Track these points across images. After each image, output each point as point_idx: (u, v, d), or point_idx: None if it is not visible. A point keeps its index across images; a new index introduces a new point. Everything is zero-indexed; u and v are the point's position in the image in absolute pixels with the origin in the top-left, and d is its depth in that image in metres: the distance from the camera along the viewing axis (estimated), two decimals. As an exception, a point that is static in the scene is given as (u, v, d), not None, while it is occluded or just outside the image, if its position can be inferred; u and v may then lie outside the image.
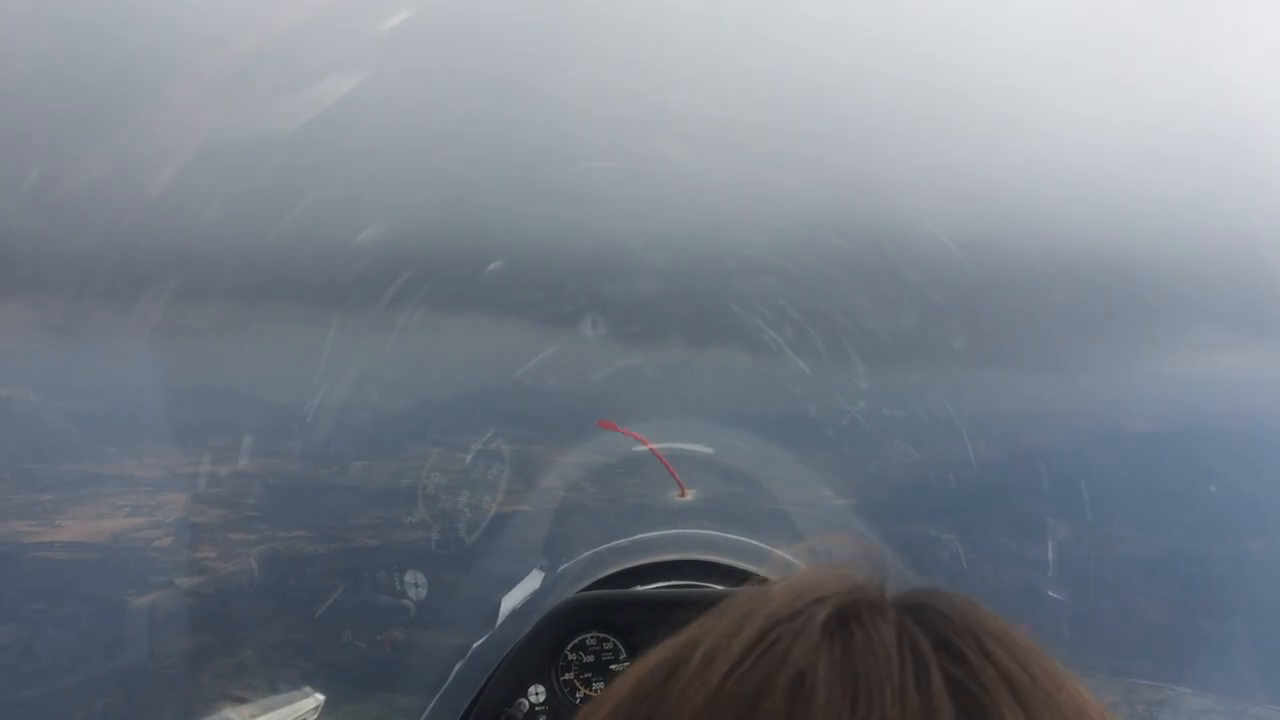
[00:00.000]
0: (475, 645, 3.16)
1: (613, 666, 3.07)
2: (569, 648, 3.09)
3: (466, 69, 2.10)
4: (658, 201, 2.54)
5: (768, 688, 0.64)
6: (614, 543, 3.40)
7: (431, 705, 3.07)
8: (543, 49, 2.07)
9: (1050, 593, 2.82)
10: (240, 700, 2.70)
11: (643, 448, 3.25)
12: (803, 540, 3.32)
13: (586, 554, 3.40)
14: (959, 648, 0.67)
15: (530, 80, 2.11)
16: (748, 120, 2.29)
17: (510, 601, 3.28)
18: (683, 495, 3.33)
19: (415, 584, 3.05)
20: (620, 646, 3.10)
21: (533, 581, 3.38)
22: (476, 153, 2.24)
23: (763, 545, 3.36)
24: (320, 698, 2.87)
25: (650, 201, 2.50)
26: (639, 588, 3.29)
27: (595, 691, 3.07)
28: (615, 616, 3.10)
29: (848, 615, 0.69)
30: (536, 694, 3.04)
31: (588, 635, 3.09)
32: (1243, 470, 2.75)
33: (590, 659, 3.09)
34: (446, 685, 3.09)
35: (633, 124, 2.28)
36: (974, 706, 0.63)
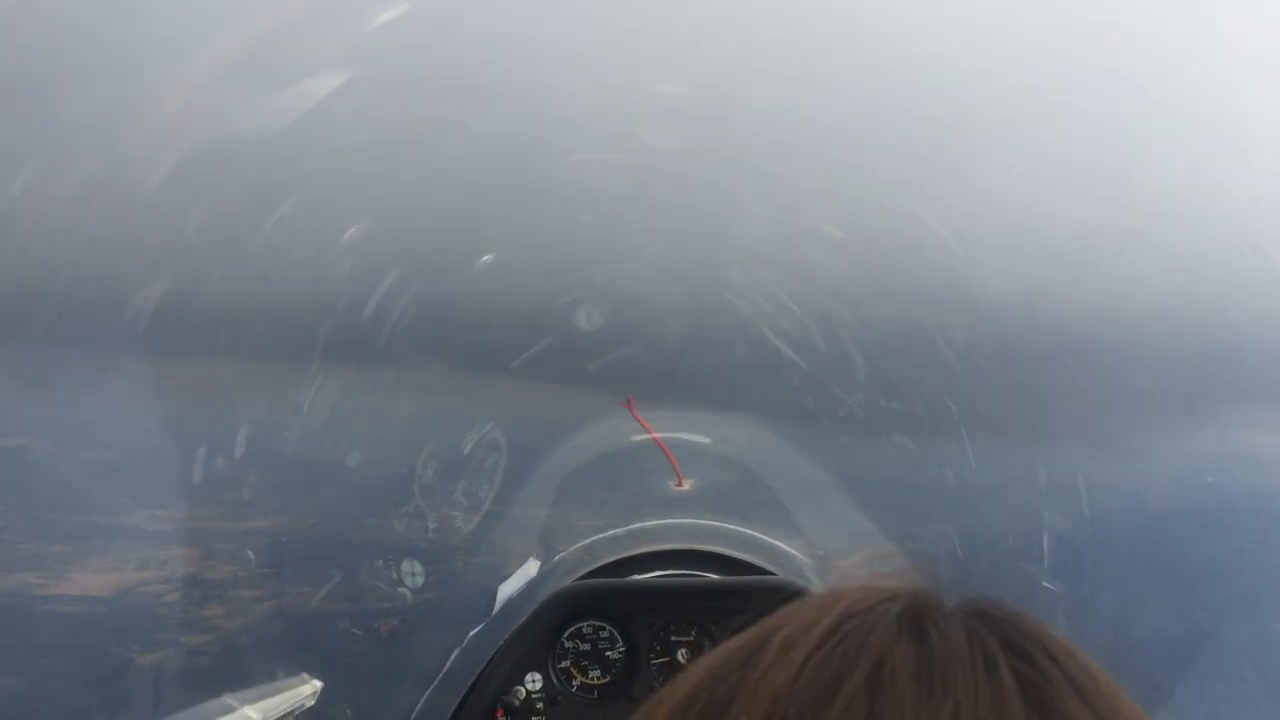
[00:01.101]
0: (472, 633, 3.18)
1: (609, 655, 3.10)
2: (566, 636, 3.11)
3: (451, 64, 2.08)
4: (650, 193, 2.52)
5: (848, 672, 0.67)
6: (611, 532, 3.42)
7: (428, 693, 3.09)
8: (529, 42, 2.05)
9: (1046, 584, 2.81)
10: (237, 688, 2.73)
11: (642, 436, 3.25)
12: (800, 533, 3.33)
13: (583, 543, 3.41)
14: (1025, 649, 0.70)
15: (517, 74, 2.09)
16: (739, 110, 2.27)
17: (507, 590, 3.30)
18: (680, 485, 3.33)
19: (412, 573, 3.06)
20: (617, 635, 3.12)
21: (529, 570, 3.39)
22: (464, 148, 2.22)
23: (759, 535, 3.37)
24: (317, 684, 2.89)
25: (643, 193, 2.48)
26: (636, 577, 3.30)
27: (592, 679, 3.09)
28: (612, 605, 3.12)
29: (920, 613, 0.73)
30: (533, 682, 3.07)
31: (584, 623, 3.11)
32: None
33: (587, 647, 3.12)
34: (443, 673, 3.11)
35: (622, 115, 2.25)
36: (1043, 702, 0.67)
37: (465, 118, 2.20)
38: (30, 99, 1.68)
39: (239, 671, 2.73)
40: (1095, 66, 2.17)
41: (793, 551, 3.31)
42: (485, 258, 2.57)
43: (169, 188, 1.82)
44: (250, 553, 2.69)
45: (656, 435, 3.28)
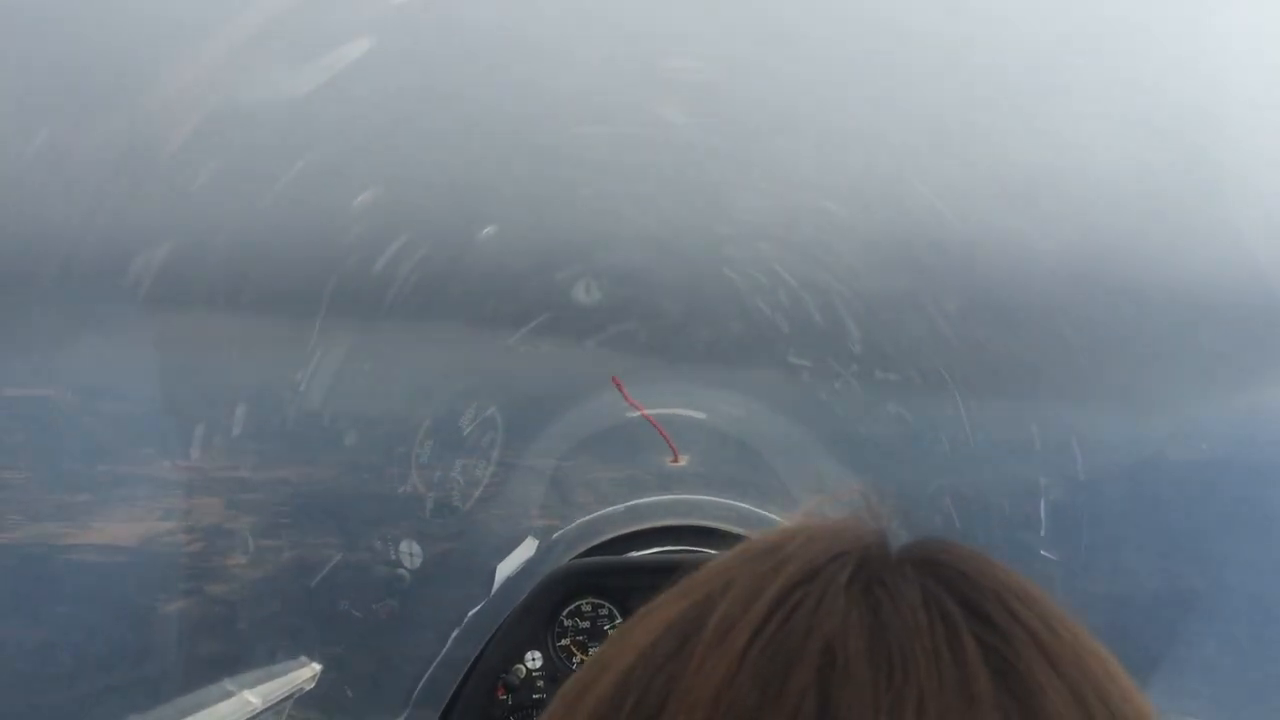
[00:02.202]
0: (471, 613, 3.17)
1: (608, 631, 3.10)
2: (564, 614, 3.11)
3: (461, 36, 2.06)
4: (652, 165, 2.51)
5: (796, 660, 0.59)
6: (608, 509, 3.42)
7: (428, 673, 3.08)
8: (539, 14, 2.04)
9: (1044, 552, 2.85)
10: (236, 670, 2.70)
11: (637, 413, 3.25)
12: (797, 507, 3.35)
13: (581, 520, 3.41)
14: (985, 609, 0.63)
15: (527, 45, 2.08)
16: (743, 85, 2.27)
17: (505, 569, 3.29)
18: (676, 461, 3.34)
19: (410, 553, 3.04)
20: (615, 612, 3.13)
21: (527, 549, 3.38)
22: (471, 118, 2.20)
23: (756, 509, 3.38)
24: (316, 667, 2.87)
25: (645, 165, 2.47)
26: (634, 553, 3.31)
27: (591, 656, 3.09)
28: (610, 582, 3.12)
29: (869, 576, 0.65)
30: (533, 660, 3.07)
31: (583, 601, 3.12)
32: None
33: (586, 625, 3.12)
34: (443, 653, 3.10)
35: (630, 88, 2.25)
36: (1009, 672, 0.60)
37: (473, 89, 2.19)
38: (53, 62, 1.65)
39: (261, 622, 2.71)
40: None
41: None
42: (488, 229, 2.55)
43: (187, 150, 1.80)
44: (249, 536, 2.66)
45: (647, 413, 3.27)
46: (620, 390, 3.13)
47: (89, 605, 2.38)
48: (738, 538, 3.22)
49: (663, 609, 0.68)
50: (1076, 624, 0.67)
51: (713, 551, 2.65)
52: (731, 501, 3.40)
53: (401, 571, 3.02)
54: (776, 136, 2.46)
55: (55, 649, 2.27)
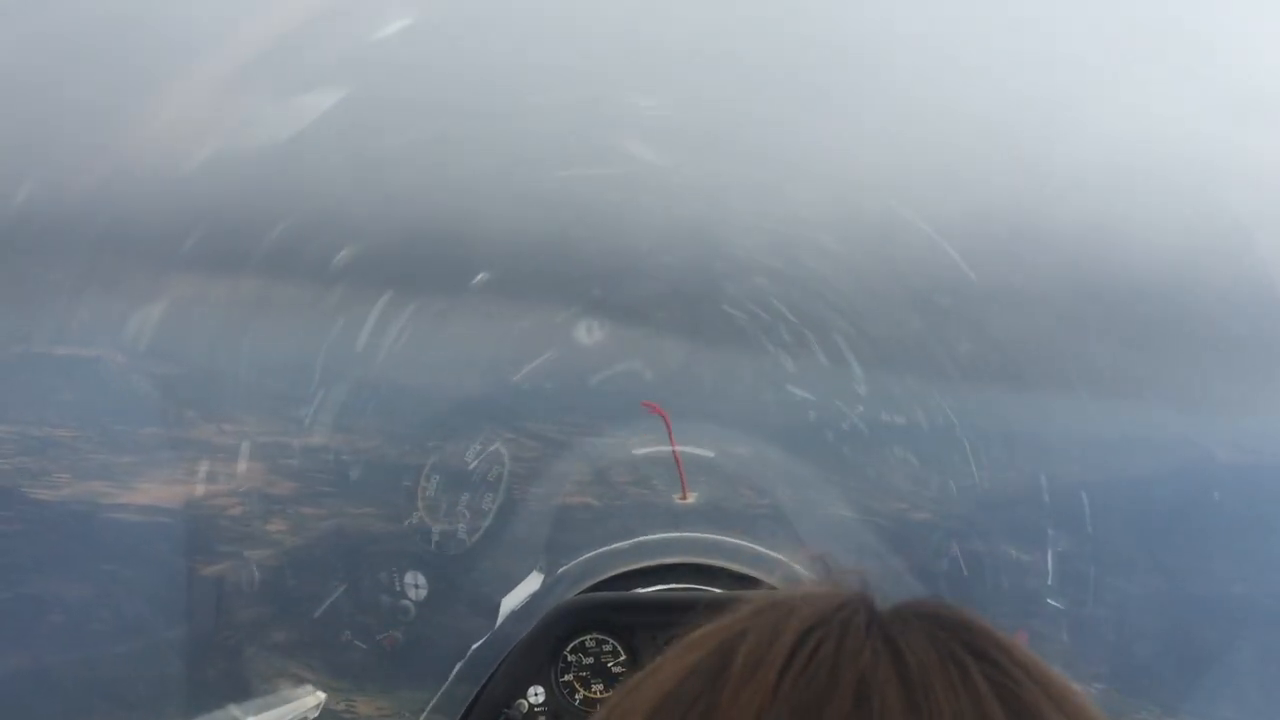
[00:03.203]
0: (475, 646, 3.19)
1: (612, 668, 3.09)
2: (568, 649, 3.11)
3: (442, 81, 2.10)
4: (641, 204, 2.53)
5: (830, 693, 0.65)
6: (614, 545, 3.41)
7: (431, 705, 3.10)
8: (519, 60, 2.07)
9: (1050, 600, 2.77)
10: (246, 696, 2.75)
11: (644, 450, 3.25)
12: (803, 546, 3.31)
13: (586, 556, 3.41)
14: (988, 652, 0.70)
15: (506, 91, 2.11)
16: (728, 123, 2.27)
17: (510, 602, 3.30)
18: (684, 499, 3.32)
19: (415, 585, 3.08)
20: (620, 649, 3.11)
21: (532, 583, 3.39)
22: (454, 163, 2.25)
23: (762, 549, 3.34)
24: (321, 696, 2.91)
25: (634, 205, 2.49)
26: (639, 590, 3.29)
27: (594, 693, 3.08)
28: (615, 618, 3.11)
29: (883, 622, 0.72)
30: (536, 695, 3.07)
31: (587, 637, 3.11)
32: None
33: (590, 660, 3.11)
34: (446, 685, 3.12)
35: (608, 129, 2.27)
36: (1019, 705, 0.67)
37: (455, 134, 2.23)
38: (36, 106, 1.72)
39: (298, 590, 2.76)
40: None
41: (795, 565, 3.28)
42: (480, 275, 2.59)
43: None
44: (254, 568, 2.72)
45: (677, 447, 3.27)
46: (660, 416, 3.12)
47: (131, 564, 2.45)
48: (744, 577, 3.21)
49: (674, 661, 0.74)
50: (1056, 670, 0.74)
51: (718, 590, 2.61)
52: (738, 540, 3.36)
53: (406, 603, 3.06)
54: (768, 172, 2.45)
55: (97, 605, 2.35)
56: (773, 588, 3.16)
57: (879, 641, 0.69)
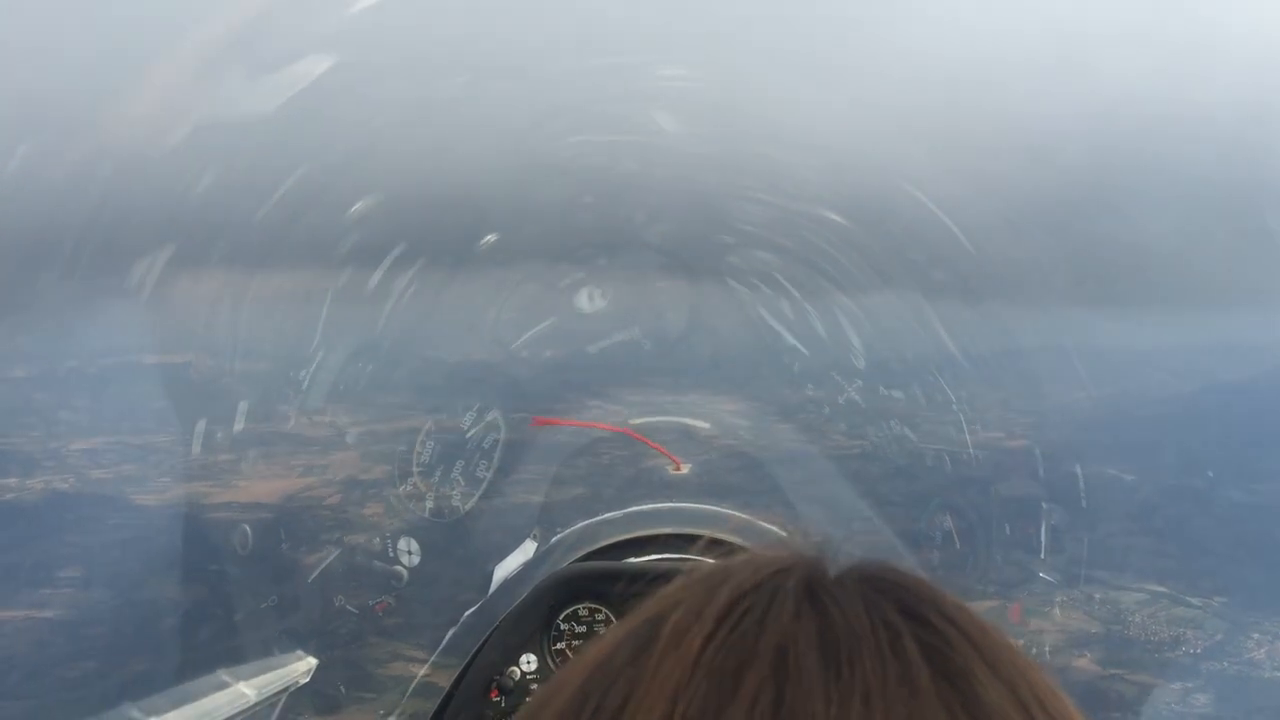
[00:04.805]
0: (467, 614, 3.18)
1: (604, 636, 3.10)
2: (561, 618, 3.11)
3: (454, 43, 2.07)
4: (651, 175, 2.52)
5: (750, 659, 0.64)
6: (608, 514, 3.41)
7: (422, 672, 3.10)
8: (533, 23, 2.04)
9: (1042, 575, 2.81)
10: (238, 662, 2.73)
11: (640, 420, 3.25)
12: (798, 518, 3.33)
13: (580, 525, 3.41)
14: (923, 614, 0.69)
15: (520, 55, 2.09)
16: (740, 94, 2.26)
17: (503, 571, 3.30)
18: (679, 469, 3.33)
19: (408, 551, 3.06)
20: (612, 618, 3.12)
21: (525, 551, 3.39)
22: (467, 127, 2.22)
23: (756, 520, 3.36)
24: (312, 661, 2.89)
25: (644, 174, 2.48)
26: (632, 559, 3.30)
27: (588, 662, 3.09)
28: (608, 587, 3.12)
29: (814, 586, 0.70)
30: (528, 663, 3.07)
31: (580, 606, 3.11)
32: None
33: (582, 629, 3.12)
34: (438, 652, 3.11)
35: (624, 98, 2.25)
36: (948, 667, 0.65)
37: (467, 97, 2.20)
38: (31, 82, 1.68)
39: (276, 593, 2.76)
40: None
41: (785, 534, 3.30)
42: (488, 237, 2.56)
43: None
44: (247, 528, 2.70)
45: (630, 429, 3.28)
46: (551, 423, 3.14)
47: (238, 562, 2.45)
48: (738, 547, 3.23)
49: (614, 629, 0.74)
50: (1006, 634, 0.73)
51: (711, 560, 2.61)
52: (732, 511, 3.38)
53: (399, 569, 3.04)
54: (775, 146, 2.45)
55: (209, 605, 2.37)
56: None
57: (806, 605, 0.68)
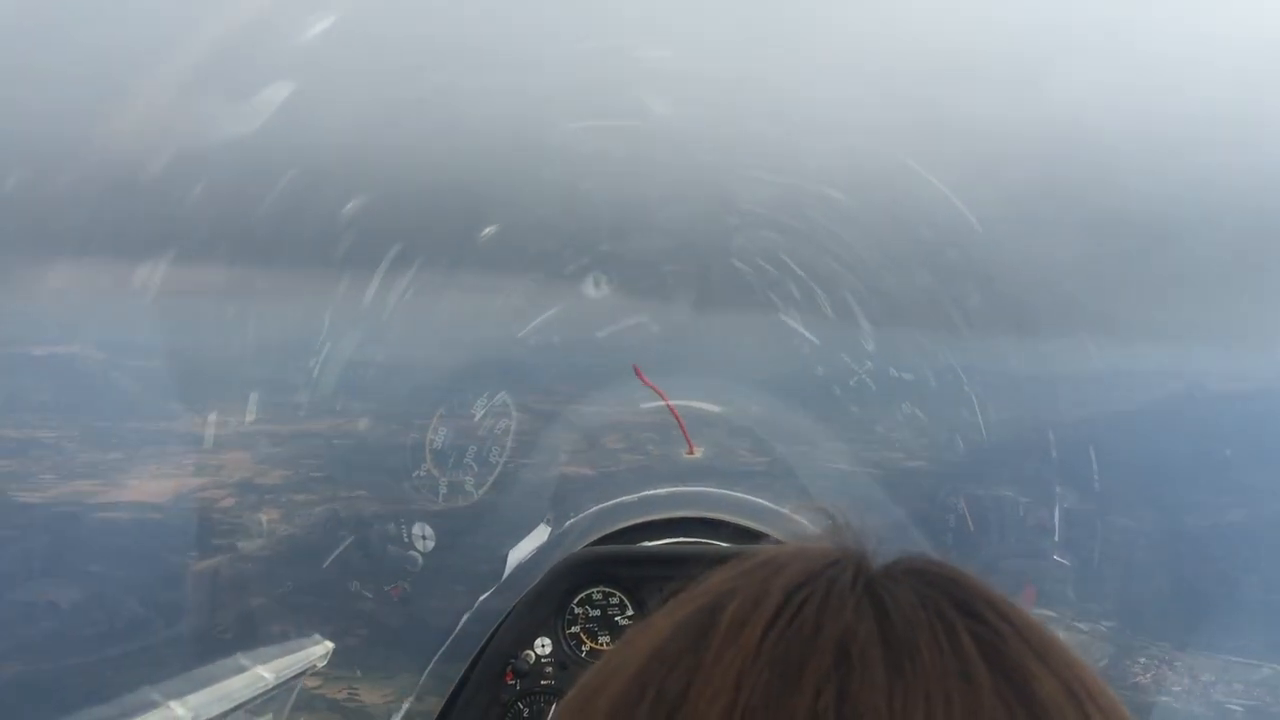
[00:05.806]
0: (482, 598, 3.21)
1: (618, 621, 3.11)
2: (575, 602, 3.13)
3: (447, 31, 2.07)
4: (654, 159, 2.50)
5: (811, 651, 0.65)
6: (622, 499, 3.42)
7: (438, 656, 3.13)
8: (525, 9, 2.04)
9: (1056, 558, 2.77)
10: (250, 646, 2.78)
11: (652, 404, 3.25)
12: (810, 501, 3.32)
13: (594, 509, 3.42)
14: (976, 609, 0.70)
15: (514, 40, 2.08)
16: (739, 76, 2.24)
17: (517, 555, 3.33)
18: (691, 453, 3.33)
19: (423, 536, 3.10)
20: (626, 602, 3.14)
21: (540, 535, 3.41)
22: (460, 115, 2.22)
23: (769, 504, 3.35)
24: (329, 645, 2.94)
25: (641, 157, 2.46)
26: (646, 544, 3.31)
27: (601, 645, 3.11)
28: (622, 572, 3.13)
29: (868, 580, 0.71)
30: (543, 646, 3.10)
31: (594, 590, 3.13)
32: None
33: (596, 613, 3.14)
34: (453, 637, 3.15)
35: (620, 82, 2.24)
36: (1004, 662, 0.66)
37: (461, 85, 2.20)
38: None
39: (293, 579, 2.76)
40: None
41: (801, 519, 3.28)
42: (488, 229, 2.57)
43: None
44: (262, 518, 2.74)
45: (670, 401, 3.27)
46: (640, 377, 3.13)
47: (122, 563, 2.44)
48: (750, 531, 3.22)
49: (666, 616, 0.74)
50: (1051, 629, 0.73)
51: (724, 545, 2.62)
52: (745, 495, 3.37)
53: (413, 554, 3.08)
54: (777, 126, 2.43)
55: (90, 609, 2.34)
56: (778, 542, 3.15)
57: (864, 599, 0.69)
